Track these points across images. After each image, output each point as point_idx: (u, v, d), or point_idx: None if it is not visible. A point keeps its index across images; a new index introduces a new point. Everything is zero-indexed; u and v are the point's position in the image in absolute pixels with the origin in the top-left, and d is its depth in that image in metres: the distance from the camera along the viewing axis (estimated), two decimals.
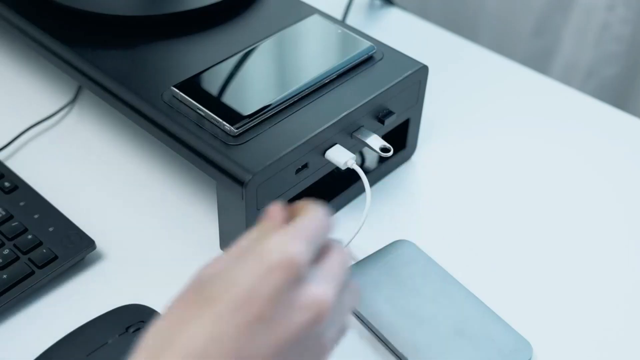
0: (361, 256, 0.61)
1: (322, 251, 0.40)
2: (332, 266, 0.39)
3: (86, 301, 0.58)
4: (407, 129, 0.67)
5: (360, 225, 0.59)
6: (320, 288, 0.37)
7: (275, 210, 0.41)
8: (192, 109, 0.59)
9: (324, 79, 0.61)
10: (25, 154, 0.70)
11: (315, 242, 0.39)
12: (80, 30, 0.68)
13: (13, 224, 0.60)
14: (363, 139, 0.60)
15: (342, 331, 0.40)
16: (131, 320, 0.55)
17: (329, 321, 0.38)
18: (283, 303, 0.36)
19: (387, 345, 0.55)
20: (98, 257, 0.61)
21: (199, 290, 0.37)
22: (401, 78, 0.63)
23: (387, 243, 0.61)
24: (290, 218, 0.41)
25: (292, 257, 0.37)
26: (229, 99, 0.60)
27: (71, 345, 0.54)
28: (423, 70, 0.64)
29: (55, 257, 0.58)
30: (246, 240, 0.39)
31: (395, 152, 0.66)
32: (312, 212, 0.40)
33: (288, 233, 0.38)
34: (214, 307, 0.36)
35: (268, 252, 0.37)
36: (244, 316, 0.36)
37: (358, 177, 0.59)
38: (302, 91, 0.60)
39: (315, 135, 0.57)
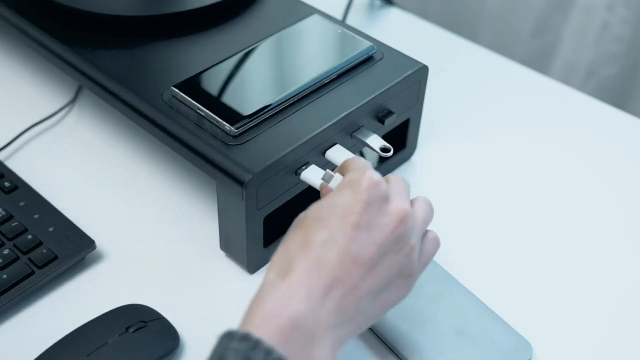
0: None
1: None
2: (399, 187, 0.49)
3: (86, 301, 0.58)
4: (407, 129, 0.67)
5: None
6: (399, 200, 0.47)
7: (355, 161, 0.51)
8: (192, 109, 0.59)
9: (324, 79, 0.61)
10: (25, 154, 0.70)
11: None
12: (80, 30, 0.68)
13: (13, 224, 0.60)
14: (363, 139, 0.60)
15: (434, 241, 0.50)
16: (131, 320, 0.55)
17: (412, 224, 0.47)
18: (374, 213, 0.46)
19: (387, 345, 0.55)
20: (98, 257, 0.61)
21: (308, 219, 0.47)
22: (401, 78, 0.63)
23: None
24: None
25: (376, 179, 0.47)
26: (229, 99, 0.60)
27: (71, 345, 0.54)
28: (423, 70, 0.64)
29: (55, 257, 0.58)
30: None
31: (395, 152, 0.66)
32: (359, 160, 0.51)
33: (361, 168, 0.48)
34: (322, 221, 0.46)
35: (355, 179, 0.47)
36: (347, 224, 0.45)
37: None
38: (302, 91, 0.60)
39: (315, 135, 0.57)
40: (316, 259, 0.44)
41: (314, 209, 0.47)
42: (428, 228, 0.51)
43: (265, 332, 0.42)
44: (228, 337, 0.42)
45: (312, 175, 0.57)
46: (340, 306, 0.44)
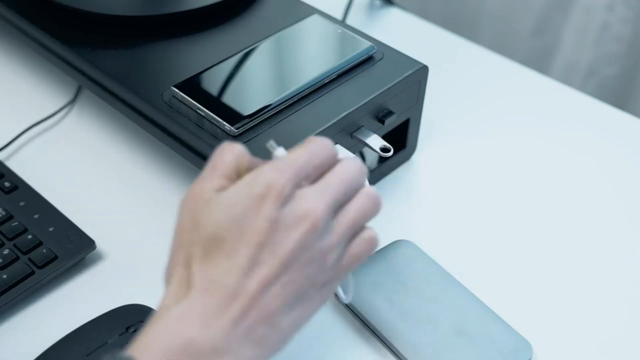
0: None
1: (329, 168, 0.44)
2: (328, 181, 0.43)
3: (86, 301, 0.58)
4: (407, 129, 0.67)
5: None
6: (309, 202, 0.41)
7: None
8: (192, 109, 0.59)
9: (324, 79, 0.61)
10: (25, 154, 0.70)
11: (303, 170, 0.42)
12: (80, 30, 0.68)
13: (13, 224, 0.60)
14: (363, 139, 0.60)
15: (370, 242, 0.44)
16: (131, 320, 0.55)
17: (324, 229, 0.41)
18: (278, 227, 0.41)
19: (387, 345, 0.55)
20: (98, 257, 0.61)
21: (204, 230, 0.41)
22: (401, 78, 0.63)
23: (387, 243, 0.61)
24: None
25: (276, 184, 0.41)
26: (229, 99, 0.60)
27: (71, 345, 0.54)
28: (423, 70, 0.64)
29: (55, 257, 0.59)
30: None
31: (395, 152, 0.66)
32: (303, 146, 0.44)
33: (273, 163, 0.42)
34: (225, 245, 0.41)
35: (254, 184, 0.41)
36: (249, 248, 0.40)
37: None
38: (302, 91, 0.60)
39: (315, 135, 0.57)
40: (215, 282, 0.40)
41: (209, 218, 0.42)
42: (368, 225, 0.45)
43: (153, 356, 0.39)
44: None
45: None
46: (248, 328, 0.40)
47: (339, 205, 0.43)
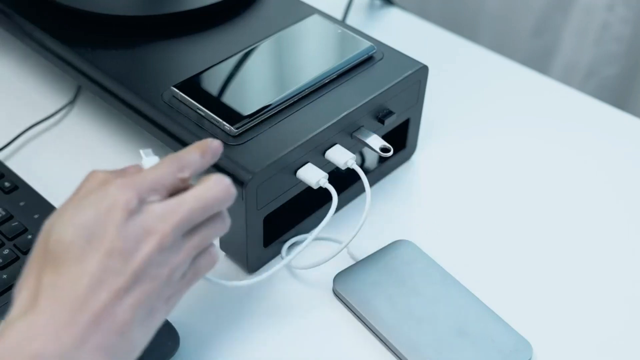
0: (361, 256, 0.61)
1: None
2: (182, 199, 0.43)
3: None
4: (407, 129, 0.67)
5: (360, 225, 0.59)
6: (153, 220, 0.42)
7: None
8: (192, 109, 0.59)
9: (324, 79, 0.61)
10: (25, 154, 0.70)
11: (152, 187, 0.43)
12: (80, 30, 0.68)
13: (13, 224, 0.60)
14: (363, 139, 0.60)
15: (206, 258, 0.46)
16: None
17: (170, 248, 0.42)
18: (124, 237, 0.41)
19: (387, 345, 0.55)
20: None
21: (53, 240, 0.41)
22: (401, 78, 0.63)
23: (387, 243, 0.61)
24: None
25: (119, 199, 0.41)
26: (229, 99, 0.60)
27: None
28: (423, 70, 0.64)
29: None
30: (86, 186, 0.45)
31: (395, 152, 0.66)
32: (163, 162, 0.45)
33: (122, 180, 0.43)
34: (73, 251, 0.40)
35: (102, 197, 0.42)
36: (97, 252, 0.40)
37: (358, 177, 0.59)
38: (302, 91, 0.60)
39: (315, 135, 0.57)
40: (65, 292, 0.40)
41: (59, 226, 0.42)
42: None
43: None
44: None
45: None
46: (100, 338, 0.40)
47: (190, 225, 0.43)
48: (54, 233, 0.41)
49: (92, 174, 0.45)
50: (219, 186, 0.45)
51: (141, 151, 0.48)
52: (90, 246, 0.40)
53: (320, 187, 0.58)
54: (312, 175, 0.57)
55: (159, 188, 0.43)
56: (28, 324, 0.39)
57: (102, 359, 0.40)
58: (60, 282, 0.40)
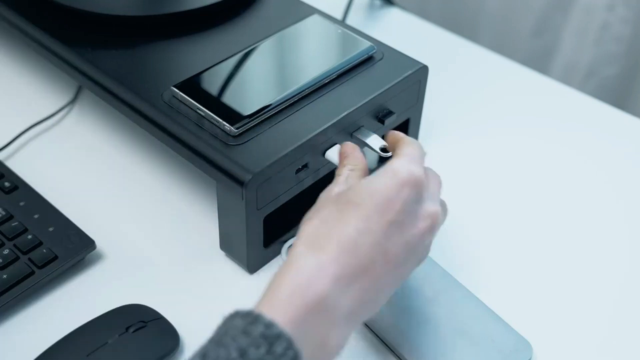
0: None
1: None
2: (435, 188, 0.50)
3: (86, 301, 0.58)
4: (407, 129, 0.67)
5: None
6: (433, 205, 0.49)
7: (350, 147, 0.54)
8: (192, 109, 0.59)
9: (324, 79, 0.61)
10: (25, 154, 0.70)
11: (423, 166, 0.50)
12: (80, 30, 0.68)
13: (13, 224, 0.60)
14: (363, 139, 0.60)
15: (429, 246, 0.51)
16: (131, 320, 0.55)
17: (437, 228, 0.49)
18: (411, 212, 0.47)
19: (387, 345, 0.55)
20: (98, 257, 0.61)
21: (342, 197, 0.47)
22: (401, 78, 0.63)
23: None
24: (389, 144, 0.55)
25: (418, 175, 0.47)
26: (229, 99, 0.60)
27: (71, 345, 0.54)
28: (423, 70, 0.64)
29: (55, 257, 0.58)
30: (342, 174, 0.51)
31: None
32: (410, 141, 0.52)
33: (407, 157, 0.49)
34: (361, 209, 0.45)
35: (398, 171, 0.47)
36: (384, 219, 0.45)
37: None
38: (302, 91, 0.60)
39: (315, 135, 0.57)
40: (351, 243, 0.44)
41: (351, 191, 0.47)
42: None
43: (284, 307, 0.41)
44: (232, 316, 0.41)
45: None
46: (362, 297, 0.44)
47: None
48: (346, 192, 0.47)
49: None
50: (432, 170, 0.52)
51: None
52: (376, 209, 0.45)
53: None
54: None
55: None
56: (318, 265, 0.43)
57: (354, 307, 0.44)
58: (349, 233, 0.44)
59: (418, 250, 0.48)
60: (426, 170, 0.50)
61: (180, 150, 0.58)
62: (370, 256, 0.44)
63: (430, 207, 0.48)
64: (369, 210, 0.45)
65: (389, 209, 0.46)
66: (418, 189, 0.47)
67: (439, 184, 0.51)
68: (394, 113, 0.63)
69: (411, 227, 0.47)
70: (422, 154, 0.51)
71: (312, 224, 0.46)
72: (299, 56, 0.65)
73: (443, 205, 0.52)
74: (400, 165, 0.47)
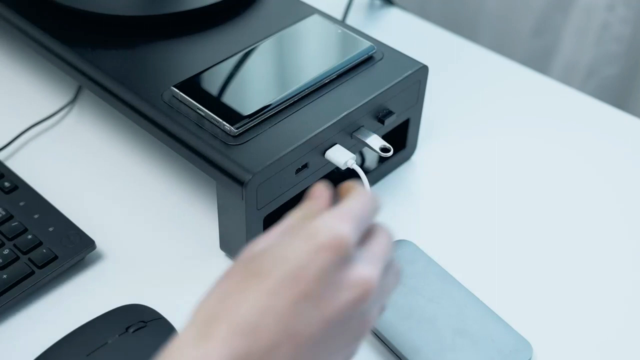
0: None
1: (368, 231, 0.41)
2: (378, 247, 0.40)
3: (86, 301, 0.58)
4: (407, 129, 0.67)
5: None
6: (366, 269, 0.39)
7: (319, 189, 0.42)
8: (192, 109, 0.59)
9: (324, 79, 0.61)
10: (25, 154, 0.70)
11: (362, 223, 0.40)
12: (80, 30, 0.68)
13: (13, 224, 0.60)
14: (363, 139, 0.60)
15: (382, 309, 0.42)
16: (131, 320, 0.55)
17: (373, 300, 0.39)
18: (330, 282, 0.37)
19: (387, 345, 0.55)
20: (98, 257, 0.61)
21: (248, 265, 0.38)
22: (401, 78, 0.63)
23: None
24: (335, 198, 0.42)
25: (341, 237, 0.38)
26: (229, 99, 0.60)
27: (71, 345, 0.54)
28: (423, 70, 0.64)
29: (55, 257, 0.58)
30: (293, 218, 0.41)
31: (395, 152, 0.66)
32: (360, 193, 0.41)
33: (337, 214, 0.39)
34: (265, 282, 0.37)
35: (317, 232, 0.38)
36: (293, 292, 0.37)
37: (358, 177, 0.59)
38: (302, 91, 0.60)
39: (315, 135, 0.57)
40: (249, 325, 0.36)
41: (263, 255, 0.38)
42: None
43: None
44: None
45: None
46: None
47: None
48: (252, 261, 0.38)
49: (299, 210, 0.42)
50: (386, 231, 0.42)
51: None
52: (285, 285, 0.37)
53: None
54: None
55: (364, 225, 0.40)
56: (201, 354, 0.35)
57: None
58: (241, 315, 0.36)
59: (351, 326, 0.39)
60: (373, 226, 0.42)
61: (180, 150, 0.58)
62: (273, 340, 0.36)
63: (360, 271, 0.38)
64: (275, 282, 0.37)
65: (300, 280, 0.37)
66: (341, 253, 0.37)
67: (387, 242, 0.41)
68: (394, 113, 0.63)
69: (331, 300, 0.37)
70: (366, 210, 0.41)
71: (208, 301, 0.38)
72: (299, 56, 0.65)
73: (390, 266, 0.42)
74: (322, 225, 0.38)
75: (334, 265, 0.37)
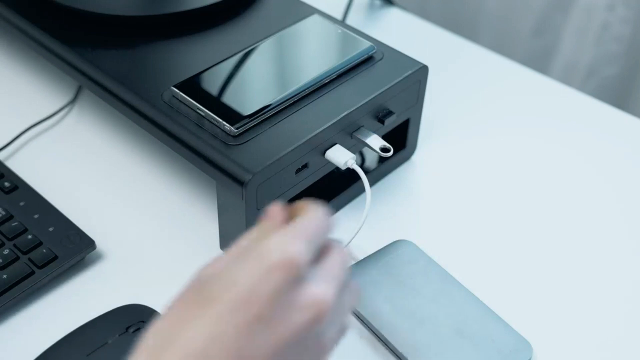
0: (361, 256, 0.61)
1: (322, 251, 0.40)
2: (333, 266, 0.39)
3: (86, 301, 0.58)
4: (407, 129, 0.67)
5: (360, 225, 0.59)
6: (320, 288, 0.38)
7: (274, 210, 0.41)
8: (192, 109, 0.59)
9: (324, 79, 0.61)
10: (25, 154, 0.70)
11: (316, 242, 0.39)
12: (80, 30, 0.68)
13: (13, 224, 0.60)
14: (363, 139, 0.60)
15: (342, 331, 0.40)
16: (131, 320, 0.55)
17: (329, 321, 0.38)
18: (283, 303, 0.36)
19: (387, 345, 0.55)
20: (98, 257, 0.61)
21: (198, 290, 0.37)
22: (401, 78, 0.63)
23: (387, 243, 0.61)
24: (290, 218, 0.41)
25: (292, 257, 0.37)
26: (229, 99, 0.60)
27: (71, 345, 0.54)
28: (423, 70, 0.64)
29: (55, 257, 0.58)
30: (246, 240, 0.40)
31: (395, 152, 0.66)
32: (312, 212, 0.40)
33: (288, 233, 0.38)
34: (214, 307, 0.36)
35: (268, 252, 0.37)
36: (243, 316, 0.36)
37: (358, 177, 0.59)
38: (302, 91, 0.60)
39: (315, 135, 0.57)
40: (198, 353, 0.35)
41: (214, 279, 0.37)
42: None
43: None
44: None
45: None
46: None
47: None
48: (203, 285, 0.38)
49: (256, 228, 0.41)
50: (341, 249, 0.41)
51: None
52: (235, 309, 0.36)
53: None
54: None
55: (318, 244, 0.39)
56: None
57: None
58: (189, 341, 0.35)
59: (307, 347, 0.37)
60: (328, 244, 0.40)
61: (180, 150, 0.58)
62: None
63: (314, 291, 0.37)
64: (226, 307, 0.36)
65: (252, 303, 0.36)
66: (293, 272, 0.36)
67: (342, 260, 0.40)
68: (394, 113, 0.63)
69: (284, 322, 0.36)
70: (319, 228, 0.39)
71: (160, 327, 0.37)
72: (299, 56, 0.65)
73: (347, 285, 0.40)
74: (273, 245, 0.37)
75: (286, 285, 0.36)
